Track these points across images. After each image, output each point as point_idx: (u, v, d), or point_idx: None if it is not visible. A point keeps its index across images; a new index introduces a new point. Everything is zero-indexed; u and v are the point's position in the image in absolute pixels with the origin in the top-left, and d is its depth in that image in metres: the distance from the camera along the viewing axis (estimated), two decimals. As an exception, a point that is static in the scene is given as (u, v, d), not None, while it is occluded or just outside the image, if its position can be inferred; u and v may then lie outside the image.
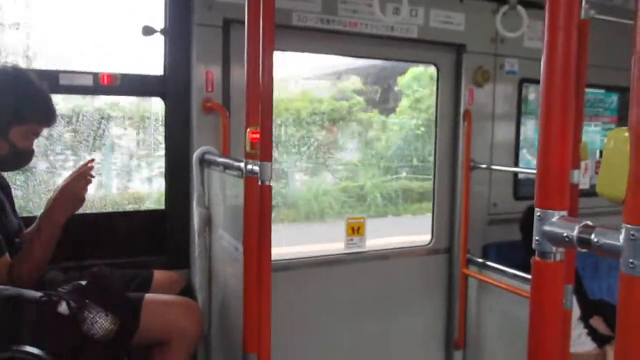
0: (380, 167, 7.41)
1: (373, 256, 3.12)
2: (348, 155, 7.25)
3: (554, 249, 0.77)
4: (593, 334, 2.89)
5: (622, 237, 0.69)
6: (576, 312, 2.84)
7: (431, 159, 3.30)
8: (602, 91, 3.90)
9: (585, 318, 2.92)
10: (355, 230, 3.00)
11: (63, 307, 1.64)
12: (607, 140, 0.73)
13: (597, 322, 2.95)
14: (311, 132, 6.67)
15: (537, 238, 0.78)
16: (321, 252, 3.16)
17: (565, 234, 0.75)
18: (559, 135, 0.75)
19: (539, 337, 0.79)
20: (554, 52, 0.75)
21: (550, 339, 0.78)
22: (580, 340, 2.83)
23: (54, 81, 2.33)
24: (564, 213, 0.77)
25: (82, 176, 2.06)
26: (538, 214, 0.78)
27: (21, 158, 2.06)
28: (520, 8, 2.80)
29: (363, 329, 3.07)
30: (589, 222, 0.75)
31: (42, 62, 2.63)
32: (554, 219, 0.76)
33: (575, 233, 0.74)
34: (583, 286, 3.06)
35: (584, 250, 0.74)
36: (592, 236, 0.73)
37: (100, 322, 1.65)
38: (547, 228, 0.77)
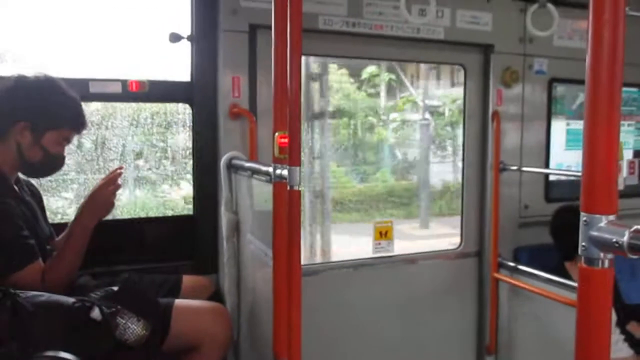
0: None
1: (401, 260, 3.09)
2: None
3: (602, 255, 0.74)
4: (630, 340, 2.81)
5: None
6: (612, 317, 2.76)
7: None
8: (636, 89, 3.80)
9: (622, 324, 2.83)
10: (383, 234, 2.97)
11: (96, 313, 1.65)
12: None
13: (634, 328, 2.87)
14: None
15: (583, 244, 0.75)
16: (350, 257, 3.14)
17: (614, 240, 0.72)
18: (606, 136, 0.72)
19: (587, 346, 0.75)
20: (600, 48, 0.72)
21: (599, 348, 0.74)
22: (618, 347, 2.74)
23: (84, 89, 2.37)
24: (612, 217, 0.73)
25: (111, 182, 2.09)
26: (584, 218, 0.75)
27: (54, 164, 2.10)
28: (550, 6, 2.74)
29: (392, 334, 3.04)
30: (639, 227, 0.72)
31: (72, 71, 2.68)
32: (602, 224, 0.73)
33: (625, 239, 0.71)
34: (619, 290, 2.98)
35: (635, 257, 0.71)
36: (644, 241, 0.70)
37: (133, 328, 1.66)
38: (594, 233, 0.73)
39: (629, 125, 3.81)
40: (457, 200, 3.44)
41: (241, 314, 2.50)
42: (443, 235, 6.07)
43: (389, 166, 8.68)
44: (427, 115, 8.15)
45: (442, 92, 7.86)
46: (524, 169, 3.17)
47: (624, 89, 3.68)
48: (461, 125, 3.25)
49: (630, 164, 3.64)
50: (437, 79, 8.02)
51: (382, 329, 3.00)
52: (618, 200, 1.83)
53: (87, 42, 2.63)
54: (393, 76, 8.22)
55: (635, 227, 0.71)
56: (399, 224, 6.81)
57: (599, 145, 0.72)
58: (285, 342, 1.75)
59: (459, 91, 3.32)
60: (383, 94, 8.74)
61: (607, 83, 0.71)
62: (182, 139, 2.86)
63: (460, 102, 3.29)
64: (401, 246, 3.20)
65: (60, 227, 2.29)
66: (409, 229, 7.72)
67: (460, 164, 3.29)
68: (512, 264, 3.08)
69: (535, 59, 3.24)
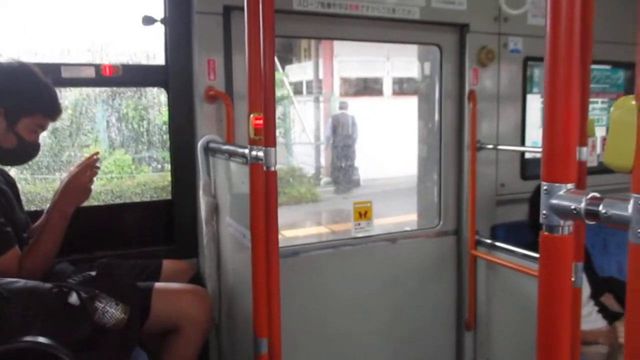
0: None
1: (381, 240, 3.12)
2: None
3: (561, 222, 0.76)
4: (604, 311, 2.89)
5: (630, 207, 0.68)
6: (586, 289, 2.83)
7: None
8: (609, 67, 3.85)
9: (595, 296, 2.91)
10: (363, 214, 3.00)
11: (74, 298, 1.65)
12: (613, 109, 0.72)
13: (607, 299, 2.94)
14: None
15: (544, 212, 0.77)
16: (329, 238, 3.16)
17: (573, 207, 0.74)
18: (564, 107, 0.74)
19: (548, 313, 0.78)
20: (558, 25, 0.74)
21: (560, 314, 0.77)
22: (591, 318, 2.82)
23: (56, 74, 2.33)
24: (571, 186, 0.76)
25: (88, 167, 2.07)
26: (545, 187, 0.77)
27: (28, 151, 2.07)
28: None
29: (373, 313, 3.08)
30: (597, 194, 0.74)
31: (44, 56, 2.64)
32: (561, 192, 0.75)
33: (583, 205, 0.73)
34: (592, 264, 3.05)
35: (592, 222, 0.74)
36: (600, 207, 0.72)
37: (111, 312, 1.66)
38: (554, 201, 0.76)
39: (602, 102, 3.87)
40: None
41: (222, 296, 2.51)
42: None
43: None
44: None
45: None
46: (500, 147, 3.21)
47: (597, 66, 3.76)
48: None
49: (604, 140, 3.70)
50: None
51: (362, 308, 3.04)
52: (588, 177, 1.87)
53: (59, 26, 2.59)
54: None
55: (592, 194, 0.74)
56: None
57: (557, 116, 0.74)
58: (266, 322, 1.77)
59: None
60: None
61: (564, 52, 0.73)
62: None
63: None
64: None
65: (36, 214, 2.28)
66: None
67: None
68: (489, 241, 3.13)
69: (510, 38, 3.26)
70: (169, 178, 2.74)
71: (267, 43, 1.65)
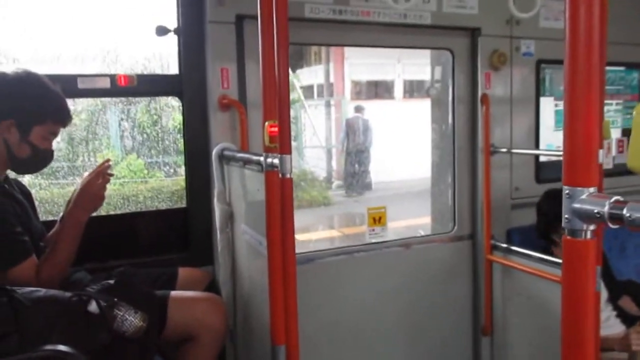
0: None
1: (395, 245, 3.11)
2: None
3: (584, 226, 0.76)
4: (622, 315, 2.85)
5: (655, 210, 0.68)
6: (604, 294, 2.80)
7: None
8: (623, 69, 3.82)
9: (613, 300, 2.87)
10: (377, 220, 2.99)
11: (93, 306, 1.66)
12: (636, 114, 0.71)
13: (625, 303, 2.90)
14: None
15: (566, 216, 0.76)
16: (344, 244, 3.16)
17: (596, 211, 0.74)
18: (585, 110, 0.73)
19: (572, 318, 0.77)
20: (577, 26, 0.74)
21: (585, 319, 0.76)
22: (609, 323, 2.78)
23: (72, 85, 2.36)
24: (593, 190, 0.75)
25: (100, 175, 2.09)
26: (567, 191, 0.76)
27: (42, 159, 2.10)
28: None
29: (389, 318, 3.07)
30: (620, 198, 0.74)
31: (59, 67, 2.67)
32: (584, 196, 0.75)
33: (606, 209, 0.73)
34: (610, 267, 3.02)
35: (615, 226, 0.73)
36: (624, 211, 0.71)
37: (130, 320, 1.67)
38: (576, 205, 0.75)
39: (617, 104, 3.84)
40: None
41: (237, 303, 2.52)
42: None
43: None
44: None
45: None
46: (514, 150, 3.19)
47: (611, 68, 3.73)
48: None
49: (619, 142, 3.67)
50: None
51: (378, 314, 3.03)
52: (607, 179, 1.85)
53: (74, 38, 2.62)
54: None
55: (615, 197, 0.73)
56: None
57: (579, 119, 0.74)
58: (283, 329, 1.77)
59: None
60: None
61: (584, 55, 0.73)
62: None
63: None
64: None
65: (51, 224, 2.30)
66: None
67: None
68: (504, 245, 3.11)
69: (523, 41, 3.25)
70: (182, 183, 2.75)
71: (281, 51, 1.66)
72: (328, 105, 14.39)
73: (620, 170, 3.62)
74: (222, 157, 2.50)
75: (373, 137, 11.55)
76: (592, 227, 0.76)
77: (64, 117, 2.09)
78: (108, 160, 2.15)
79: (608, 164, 2.72)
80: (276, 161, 1.70)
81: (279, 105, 1.68)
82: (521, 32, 3.22)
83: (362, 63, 14.06)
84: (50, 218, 2.52)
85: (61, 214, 2.17)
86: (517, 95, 3.28)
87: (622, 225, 0.72)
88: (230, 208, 2.50)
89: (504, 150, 3.16)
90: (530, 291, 2.93)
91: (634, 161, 0.69)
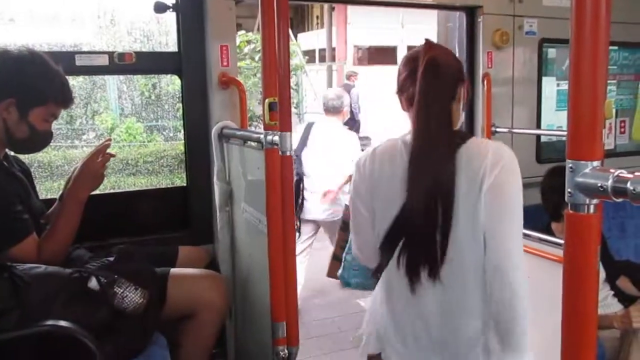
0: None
1: None
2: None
3: (587, 200, 0.75)
4: (619, 295, 2.86)
5: (659, 184, 0.67)
6: (601, 274, 2.80)
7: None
8: (620, 48, 3.78)
9: (611, 279, 2.88)
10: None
11: (93, 283, 1.67)
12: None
13: (623, 283, 2.91)
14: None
15: (569, 190, 0.76)
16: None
17: (599, 184, 0.73)
18: (591, 84, 0.72)
19: (575, 293, 0.77)
20: (583, 3, 0.73)
21: (588, 292, 0.76)
22: (607, 302, 2.79)
23: (70, 62, 2.34)
24: (597, 164, 0.74)
25: (100, 154, 2.08)
26: (570, 165, 0.75)
27: (41, 140, 2.08)
28: None
29: None
30: (624, 172, 0.73)
31: (57, 44, 2.65)
32: (587, 170, 0.74)
33: (610, 182, 0.72)
34: (608, 247, 3.02)
35: (619, 200, 0.73)
36: (628, 185, 0.71)
37: (130, 297, 1.68)
38: (580, 179, 0.74)
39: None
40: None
41: (237, 281, 2.53)
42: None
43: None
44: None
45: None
46: (515, 130, 3.18)
47: (613, 47, 3.69)
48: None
49: (621, 122, 3.65)
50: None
51: None
52: (607, 159, 1.84)
53: (72, 14, 2.60)
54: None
55: (619, 170, 0.73)
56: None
57: (585, 92, 0.73)
58: (283, 306, 1.78)
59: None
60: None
61: (590, 30, 0.71)
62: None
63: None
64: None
65: (50, 202, 2.30)
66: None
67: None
68: (504, 225, 3.10)
69: (526, 20, 3.21)
70: (181, 147, 2.73)
71: (282, 26, 1.64)
72: (330, 70, 14.22)
73: (621, 151, 3.63)
74: (221, 135, 2.49)
75: (360, 107, 11.71)
76: (595, 201, 0.75)
77: (65, 99, 2.05)
78: (109, 139, 2.15)
79: (609, 145, 2.71)
80: (276, 138, 1.69)
81: (279, 82, 1.67)
82: (524, 10, 3.18)
83: (365, 27, 13.84)
84: (50, 196, 2.52)
85: (60, 192, 2.17)
86: (519, 74, 3.25)
87: (625, 198, 0.72)
88: (230, 186, 2.50)
89: (505, 130, 3.15)
90: (530, 271, 2.93)
91: (638, 134, 0.68)
